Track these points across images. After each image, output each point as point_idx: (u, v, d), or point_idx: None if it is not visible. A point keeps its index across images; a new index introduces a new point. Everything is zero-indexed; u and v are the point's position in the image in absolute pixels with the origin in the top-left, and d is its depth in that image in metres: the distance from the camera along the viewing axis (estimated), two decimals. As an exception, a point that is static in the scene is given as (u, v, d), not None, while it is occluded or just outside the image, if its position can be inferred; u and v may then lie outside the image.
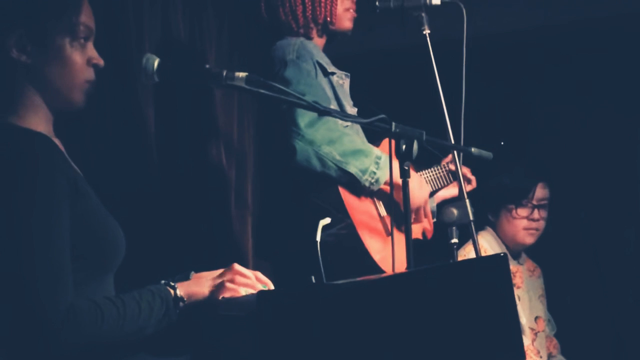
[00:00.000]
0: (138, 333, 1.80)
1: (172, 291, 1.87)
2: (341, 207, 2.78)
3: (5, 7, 1.85)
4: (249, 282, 1.94)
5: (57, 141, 1.91)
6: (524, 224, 3.66)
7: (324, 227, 2.09)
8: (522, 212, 3.65)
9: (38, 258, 1.69)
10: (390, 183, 2.46)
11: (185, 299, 1.88)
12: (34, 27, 1.85)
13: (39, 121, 1.89)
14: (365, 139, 3.05)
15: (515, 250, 3.72)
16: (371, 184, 2.83)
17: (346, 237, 2.77)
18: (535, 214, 3.66)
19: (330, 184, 2.80)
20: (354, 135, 2.87)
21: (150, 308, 1.81)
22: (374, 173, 2.82)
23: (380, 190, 2.90)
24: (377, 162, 2.83)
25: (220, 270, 2.00)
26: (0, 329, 1.72)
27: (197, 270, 2.03)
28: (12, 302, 1.68)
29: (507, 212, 3.67)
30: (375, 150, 2.87)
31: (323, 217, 2.16)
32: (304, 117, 2.73)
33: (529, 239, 3.68)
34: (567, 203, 3.77)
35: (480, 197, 3.64)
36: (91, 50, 1.93)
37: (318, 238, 2.03)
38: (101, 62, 1.94)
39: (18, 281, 1.67)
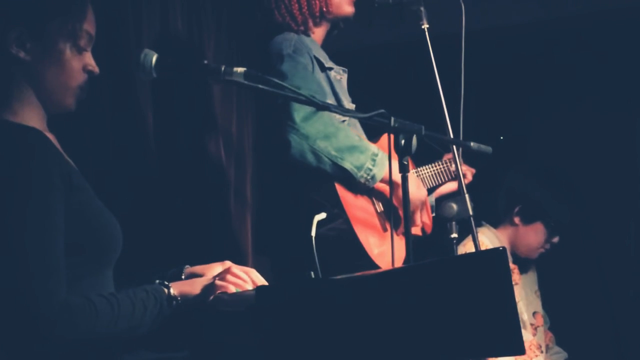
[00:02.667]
0: (131, 331, 1.81)
1: (165, 290, 1.88)
2: (337, 202, 2.78)
3: (9, 2, 1.86)
4: (238, 281, 1.94)
5: (51, 136, 1.92)
6: (545, 245, 3.69)
7: (322, 222, 2.09)
8: (553, 237, 3.69)
9: (32, 253, 1.70)
10: (390, 179, 2.46)
11: (179, 298, 1.89)
12: (35, 25, 1.86)
13: (33, 117, 1.89)
14: (364, 135, 3.04)
15: (520, 256, 3.73)
16: (367, 180, 2.82)
17: (344, 232, 2.77)
18: (556, 240, 3.70)
19: (326, 179, 2.80)
20: (350, 131, 2.86)
21: (144, 307, 1.82)
22: (370, 170, 2.81)
23: (378, 188, 2.90)
24: (374, 159, 2.82)
25: (214, 264, 2.01)
26: None
27: (193, 265, 2.03)
28: (5, 297, 1.68)
29: (539, 228, 3.67)
30: (372, 147, 2.86)
31: (319, 212, 2.16)
32: (300, 112, 2.73)
33: (536, 256, 3.72)
34: (567, 198, 3.76)
35: (514, 198, 3.65)
36: (89, 58, 1.95)
37: (313, 233, 2.03)
38: (96, 70, 1.96)
39: (12, 276, 1.67)
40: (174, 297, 1.88)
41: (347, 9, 3.05)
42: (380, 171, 2.83)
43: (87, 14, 1.93)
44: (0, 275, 1.68)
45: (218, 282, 1.92)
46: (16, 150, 1.75)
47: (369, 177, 2.82)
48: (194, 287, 1.92)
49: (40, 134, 1.84)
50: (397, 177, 2.28)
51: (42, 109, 1.92)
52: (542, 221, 3.65)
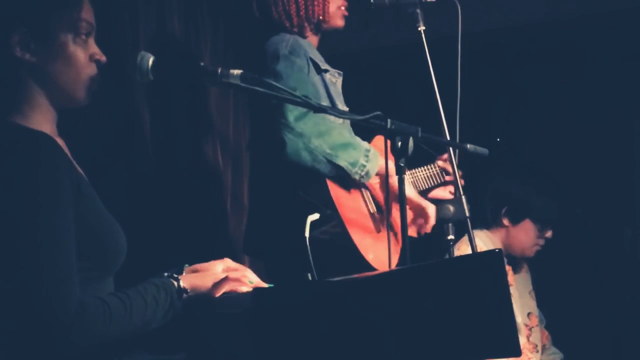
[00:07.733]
0: (145, 327, 1.80)
1: (175, 283, 1.87)
2: (330, 203, 2.78)
3: (8, 5, 1.85)
4: (253, 278, 1.95)
5: (60, 141, 1.90)
6: (539, 241, 3.69)
7: (316, 223, 2.09)
8: (545, 232, 3.69)
9: (45, 258, 1.68)
10: (386, 179, 2.46)
11: (188, 291, 1.88)
12: (37, 24, 1.85)
13: (43, 120, 1.88)
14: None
15: (515, 257, 3.73)
16: (361, 177, 2.83)
17: (338, 235, 2.77)
18: (550, 234, 3.70)
19: (318, 180, 2.80)
20: (342, 129, 2.87)
21: (155, 301, 1.81)
22: (364, 166, 2.82)
23: (371, 187, 2.91)
24: (367, 155, 2.83)
25: (214, 262, 2.00)
26: (6, 330, 1.70)
27: (192, 264, 2.03)
28: (19, 303, 1.66)
29: (528, 226, 3.67)
30: (364, 144, 2.87)
31: (312, 213, 2.16)
32: (293, 111, 2.73)
33: (533, 253, 3.72)
34: (563, 199, 3.77)
35: (499, 200, 3.65)
36: (93, 47, 1.94)
37: (307, 234, 2.03)
38: (103, 58, 1.95)
39: (25, 282, 1.65)
40: (184, 290, 1.87)
41: (339, 22, 3.07)
42: (374, 167, 2.84)
43: (83, 2, 1.92)
44: (13, 281, 1.66)
45: (232, 276, 1.91)
46: (26, 155, 1.73)
47: (363, 173, 2.83)
48: (205, 280, 1.91)
49: (50, 139, 1.81)
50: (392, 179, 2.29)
51: (53, 111, 1.90)
52: (530, 218, 3.66)
